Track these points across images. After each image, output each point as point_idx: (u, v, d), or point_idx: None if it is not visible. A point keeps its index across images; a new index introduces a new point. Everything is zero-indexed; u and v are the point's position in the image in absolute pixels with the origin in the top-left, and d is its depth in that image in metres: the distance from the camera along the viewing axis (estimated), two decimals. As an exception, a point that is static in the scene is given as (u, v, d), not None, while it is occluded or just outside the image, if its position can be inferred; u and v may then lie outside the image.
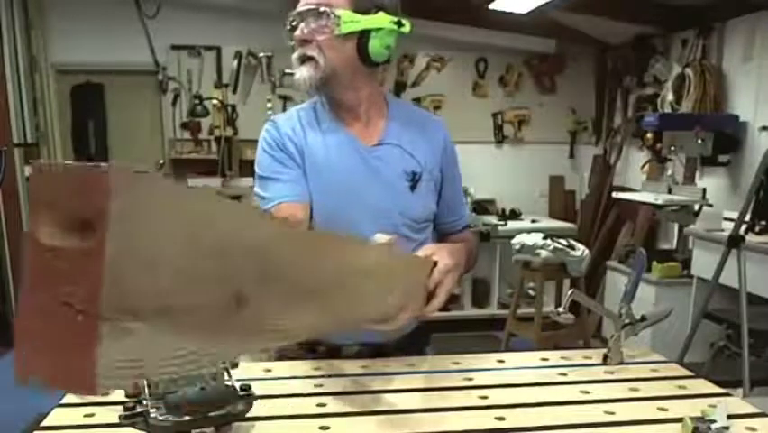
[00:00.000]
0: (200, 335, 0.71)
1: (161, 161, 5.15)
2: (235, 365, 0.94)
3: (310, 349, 1.34)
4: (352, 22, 1.23)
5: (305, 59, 1.28)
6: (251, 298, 0.72)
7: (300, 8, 1.27)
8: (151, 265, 0.65)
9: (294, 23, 1.28)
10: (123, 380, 0.69)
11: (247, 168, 5.01)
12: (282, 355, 1.35)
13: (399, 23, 1.27)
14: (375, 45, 1.25)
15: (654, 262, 3.73)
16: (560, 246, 3.63)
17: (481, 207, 5.19)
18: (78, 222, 0.63)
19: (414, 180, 1.33)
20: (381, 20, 1.25)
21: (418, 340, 1.41)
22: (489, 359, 1.29)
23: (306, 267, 0.78)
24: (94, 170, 0.63)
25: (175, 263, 0.67)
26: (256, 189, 1.33)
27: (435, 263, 1.06)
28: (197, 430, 0.84)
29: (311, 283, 0.79)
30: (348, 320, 0.92)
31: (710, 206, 3.71)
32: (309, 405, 1.02)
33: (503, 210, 5.19)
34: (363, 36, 1.25)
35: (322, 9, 1.23)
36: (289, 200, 1.26)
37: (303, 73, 1.28)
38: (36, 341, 0.64)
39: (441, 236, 1.45)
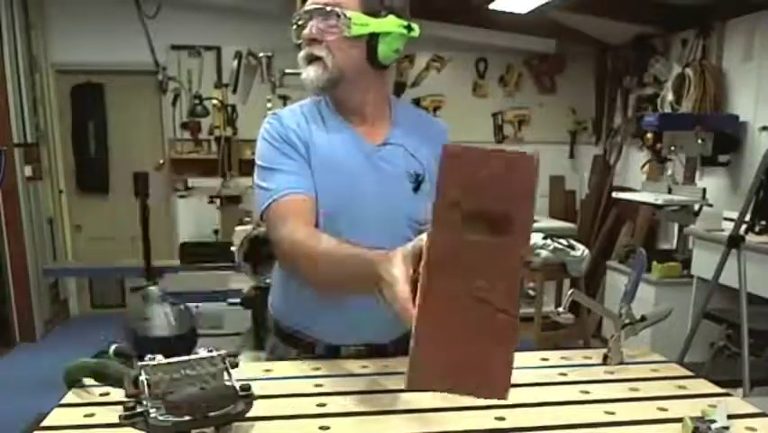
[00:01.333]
0: None
1: (161, 161, 5.15)
2: (235, 365, 0.94)
3: (309, 350, 1.34)
4: (363, 24, 1.22)
5: (312, 59, 1.26)
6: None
7: (309, 6, 1.25)
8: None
9: (301, 22, 1.27)
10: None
11: (247, 168, 5.00)
12: (281, 357, 1.35)
13: (409, 28, 1.26)
14: (384, 49, 1.25)
15: (654, 262, 3.73)
16: (560, 246, 3.62)
17: (481, 207, 5.19)
18: (498, 212, 0.60)
19: (417, 182, 1.32)
20: (391, 24, 1.24)
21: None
22: (489, 359, 1.28)
23: None
24: (521, 156, 0.59)
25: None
26: (257, 181, 1.29)
27: None
28: (197, 430, 0.84)
29: None
30: None
31: (710, 206, 3.71)
32: (309, 405, 1.02)
33: (503, 210, 5.18)
34: (373, 39, 1.24)
35: (331, 9, 1.21)
36: (295, 192, 1.22)
37: (310, 73, 1.26)
38: (441, 330, 0.61)
39: None
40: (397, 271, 0.83)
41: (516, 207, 0.60)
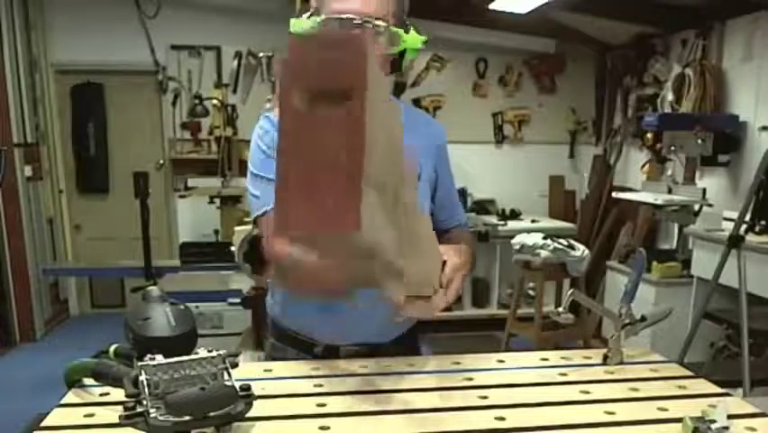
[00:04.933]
0: (385, 217, 0.72)
1: (161, 161, 5.15)
2: (235, 365, 0.94)
3: (307, 350, 1.34)
4: (403, 41, 1.23)
5: None
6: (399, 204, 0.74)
7: (353, 17, 1.17)
8: (374, 143, 0.65)
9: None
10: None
11: (247, 168, 5.00)
12: (280, 357, 1.35)
13: (425, 42, 1.28)
14: (404, 61, 1.28)
15: (654, 262, 3.73)
16: (560, 246, 3.63)
17: (481, 207, 5.19)
18: (337, 88, 0.63)
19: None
20: (418, 40, 1.26)
21: (413, 341, 1.41)
22: (489, 359, 1.29)
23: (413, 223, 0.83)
24: (352, 33, 0.66)
25: (381, 147, 0.68)
26: (248, 186, 1.28)
27: (445, 262, 1.07)
28: (197, 430, 0.84)
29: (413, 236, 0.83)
30: (417, 285, 0.92)
31: (710, 206, 3.71)
32: (309, 405, 1.02)
33: (503, 210, 5.19)
34: (401, 54, 1.26)
35: (379, 25, 1.18)
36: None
37: None
38: (299, 201, 0.64)
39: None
40: None
41: (352, 82, 0.64)
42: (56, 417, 0.97)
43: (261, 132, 1.30)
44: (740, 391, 2.49)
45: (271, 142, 1.25)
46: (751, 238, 2.89)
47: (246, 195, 1.31)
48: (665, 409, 1.02)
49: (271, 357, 1.38)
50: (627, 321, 1.28)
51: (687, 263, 3.67)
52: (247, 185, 1.30)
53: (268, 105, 4.98)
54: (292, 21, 1.25)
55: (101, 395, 1.04)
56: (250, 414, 0.90)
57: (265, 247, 1.21)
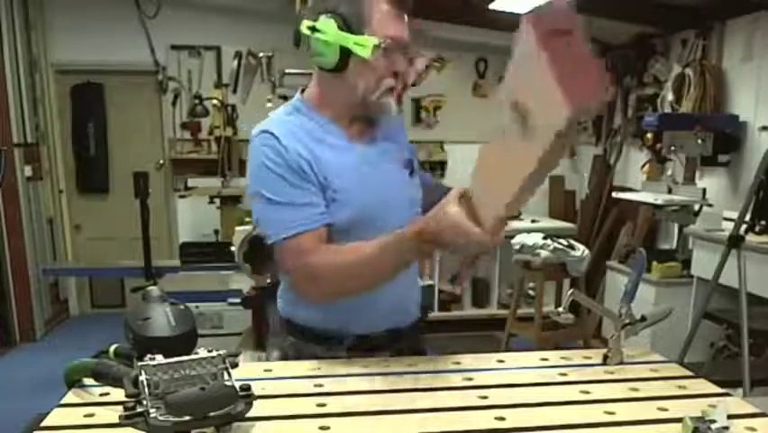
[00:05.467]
0: None
1: (161, 161, 5.15)
2: (235, 365, 0.94)
3: (338, 343, 1.33)
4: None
5: (391, 92, 1.28)
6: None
7: (412, 47, 1.28)
8: None
9: (391, 51, 1.24)
10: None
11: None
12: (304, 355, 1.34)
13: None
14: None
15: (654, 262, 3.73)
16: (560, 246, 3.63)
17: (481, 207, 5.18)
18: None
19: (411, 167, 1.40)
20: None
21: (421, 329, 1.48)
22: (489, 359, 1.29)
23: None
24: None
25: None
26: (261, 209, 1.25)
27: None
28: (197, 430, 0.84)
29: None
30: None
31: (710, 206, 3.71)
32: (309, 405, 1.02)
33: (503, 210, 5.17)
34: None
35: (435, 60, 1.30)
36: (308, 228, 1.20)
37: (393, 105, 1.29)
38: (568, 77, 0.87)
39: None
40: (458, 214, 1.02)
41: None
42: (56, 417, 0.97)
43: (267, 150, 1.24)
44: (740, 391, 2.49)
45: (283, 161, 1.23)
46: (751, 238, 2.89)
47: (256, 215, 1.28)
48: (665, 409, 1.02)
49: (291, 357, 1.36)
50: (627, 321, 1.28)
51: (687, 263, 3.67)
52: (257, 207, 1.26)
53: (269, 105, 4.98)
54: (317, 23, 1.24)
55: (101, 395, 1.04)
56: (250, 414, 0.90)
57: (296, 264, 1.21)
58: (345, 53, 1.22)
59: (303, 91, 1.38)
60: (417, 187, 1.41)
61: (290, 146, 1.24)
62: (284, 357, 1.38)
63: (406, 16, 1.25)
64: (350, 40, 1.21)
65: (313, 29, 1.22)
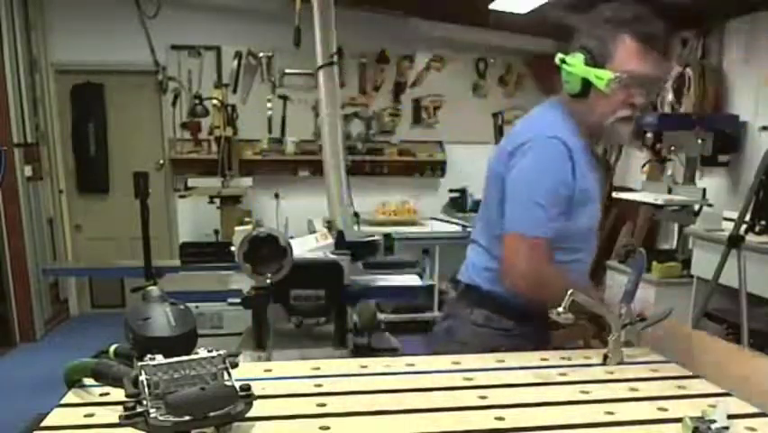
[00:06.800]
0: None
1: (161, 161, 5.15)
2: (235, 365, 0.94)
3: (528, 320, 1.58)
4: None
5: (625, 121, 1.44)
6: None
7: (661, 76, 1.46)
8: None
9: (629, 85, 1.39)
10: None
11: (246, 168, 5.01)
12: (490, 327, 1.56)
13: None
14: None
15: (654, 262, 3.73)
16: (560, 246, 3.62)
17: (481, 207, 5.18)
18: None
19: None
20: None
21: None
22: (489, 359, 1.29)
23: None
24: None
25: None
26: (546, 204, 1.40)
27: None
28: (197, 430, 0.84)
29: None
30: None
31: (710, 206, 3.71)
32: (309, 405, 1.02)
33: (503, 210, 5.18)
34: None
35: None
36: (549, 236, 1.41)
37: (626, 135, 1.48)
38: None
39: None
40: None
41: None
42: (56, 417, 0.97)
43: (562, 165, 1.40)
44: (740, 391, 2.49)
45: (566, 177, 1.40)
46: (751, 238, 2.89)
47: (532, 207, 1.41)
48: (665, 409, 1.02)
49: (479, 325, 1.56)
50: (627, 321, 1.28)
51: (687, 263, 3.67)
52: (533, 198, 1.40)
53: (269, 105, 4.98)
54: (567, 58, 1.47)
55: (101, 395, 1.04)
56: (250, 414, 0.90)
57: (532, 264, 1.41)
58: (587, 84, 1.42)
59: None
60: None
61: (575, 162, 1.42)
62: (470, 328, 1.57)
63: (656, 53, 1.41)
64: (591, 73, 1.40)
65: (563, 60, 1.45)
